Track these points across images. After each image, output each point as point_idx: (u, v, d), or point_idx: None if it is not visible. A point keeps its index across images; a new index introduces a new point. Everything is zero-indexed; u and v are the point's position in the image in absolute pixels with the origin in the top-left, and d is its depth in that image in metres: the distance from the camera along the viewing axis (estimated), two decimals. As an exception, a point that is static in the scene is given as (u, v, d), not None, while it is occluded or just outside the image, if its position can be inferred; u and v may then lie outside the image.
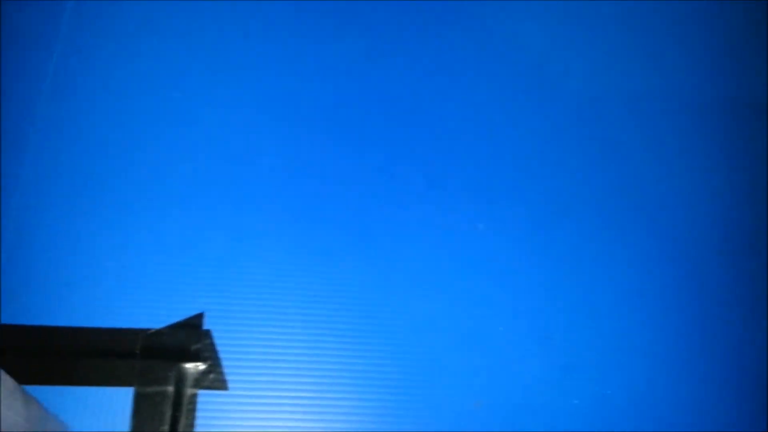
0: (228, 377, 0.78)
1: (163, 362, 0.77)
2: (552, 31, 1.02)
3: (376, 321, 0.82)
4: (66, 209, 0.83)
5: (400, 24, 0.99)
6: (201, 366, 0.77)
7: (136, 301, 0.80)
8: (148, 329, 0.78)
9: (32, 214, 0.83)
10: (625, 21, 1.03)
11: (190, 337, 0.78)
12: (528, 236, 0.88)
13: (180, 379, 0.77)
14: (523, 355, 0.82)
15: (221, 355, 0.78)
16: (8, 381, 0.57)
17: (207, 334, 0.79)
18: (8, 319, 0.77)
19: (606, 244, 0.89)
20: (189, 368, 0.77)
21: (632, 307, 0.86)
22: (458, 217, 0.88)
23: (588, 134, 0.95)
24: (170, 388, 0.76)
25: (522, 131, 0.95)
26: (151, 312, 0.79)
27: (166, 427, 0.74)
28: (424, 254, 0.86)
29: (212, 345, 0.78)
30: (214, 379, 0.77)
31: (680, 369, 0.83)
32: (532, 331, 0.83)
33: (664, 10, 1.04)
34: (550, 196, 0.91)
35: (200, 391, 0.77)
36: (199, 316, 0.80)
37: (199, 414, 0.76)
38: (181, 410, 0.75)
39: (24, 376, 0.74)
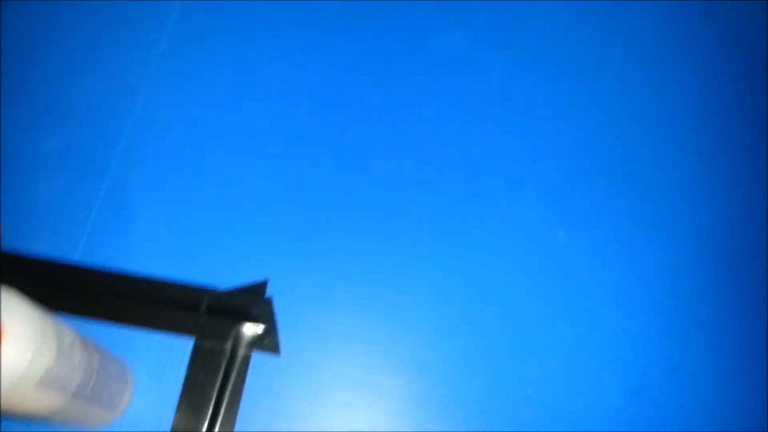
0: (282, 344, 0.80)
1: (224, 320, 0.81)
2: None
3: (444, 310, 0.83)
4: (162, 160, 0.91)
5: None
6: (258, 329, 0.81)
7: (208, 261, 0.85)
8: (216, 289, 0.83)
9: (128, 161, 0.90)
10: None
11: (252, 302, 0.82)
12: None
13: (237, 338, 0.80)
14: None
15: (278, 323, 0.81)
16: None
17: (268, 301, 0.82)
18: (93, 261, 0.84)
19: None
20: (247, 330, 0.81)
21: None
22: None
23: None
24: (228, 345, 0.80)
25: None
26: (221, 273, 0.84)
27: (218, 380, 0.78)
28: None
29: (272, 312, 0.82)
30: (269, 344, 0.80)
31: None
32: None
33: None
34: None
35: (254, 353, 0.80)
36: (263, 284, 0.84)
37: (249, 372, 0.79)
38: (234, 367, 0.79)
39: (97, 313, 0.80)
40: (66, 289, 0.83)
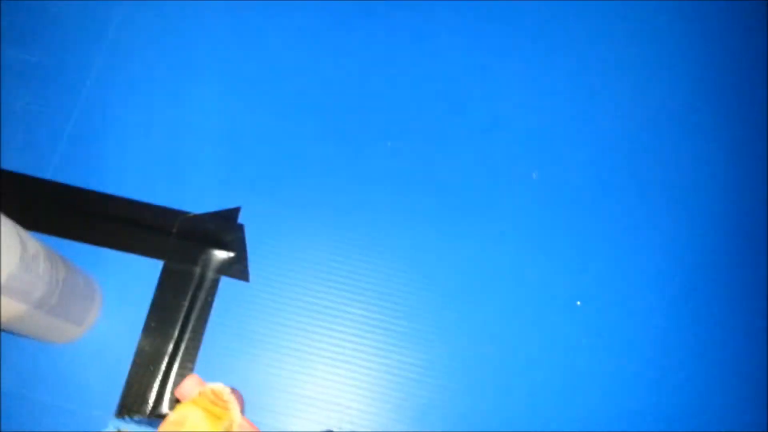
0: (250, 271, 0.81)
1: (194, 244, 0.81)
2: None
3: (411, 242, 0.84)
4: (140, 82, 0.90)
5: None
6: (228, 255, 0.81)
7: (184, 185, 0.85)
8: (187, 212, 0.83)
9: (105, 80, 0.89)
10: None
11: (223, 227, 0.82)
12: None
13: (207, 262, 0.81)
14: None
15: (248, 250, 0.82)
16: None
17: (240, 228, 0.82)
18: (66, 179, 0.84)
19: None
20: (217, 255, 0.81)
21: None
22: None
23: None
24: (197, 269, 0.80)
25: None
26: (195, 198, 0.84)
27: (186, 302, 0.78)
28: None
29: (242, 239, 0.82)
30: (238, 270, 0.81)
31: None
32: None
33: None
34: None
35: (223, 278, 0.80)
36: (236, 210, 0.84)
37: (217, 297, 0.79)
38: (202, 290, 0.79)
39: (67, 231, 0.80)
40: (37, 205, 0.83)
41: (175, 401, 0.73)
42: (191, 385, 0.56)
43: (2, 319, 0.61)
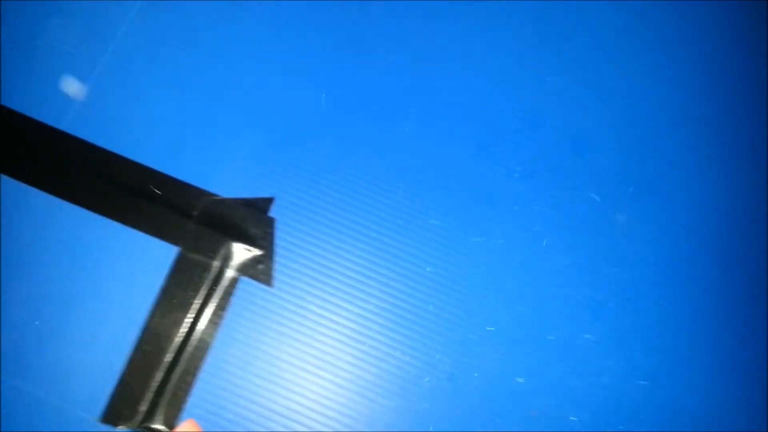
0: (276, 275, 0.70)
1: (216, 233, 0.70)
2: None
3: (457, 274, 0.72)
4: (175, 40, 0.78)
5: None
6: (253, 252, 0.70)
7: (212, 162, 0.73)
8: (213, 194, 0.72)
9: (138, 31, 0.78)
10: None
11: (252, 218, 0.71)
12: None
13: (228, 257, 0.70)
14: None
15: (277, 250, 0.71)
16: None
17: (271, 222, 0.71)
18: (81, 133, 0.73)
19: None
20: (240, 250, 0.70)
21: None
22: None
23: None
24: (215, 263, 0.69)
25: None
26: (222, 179, 0.73)
27: (199, 300, 0.68)
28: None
29: (272, 235, 0.71)
30: (262, 271, 0.70)
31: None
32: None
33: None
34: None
35: (243, 278, 0.70)
36: (268, 200, 0.72)
37: (233, 299, 0.69)
38: (218, 288, 0.69)
39: (73, 194, 0.69)
40: (44, 158, 0.71)
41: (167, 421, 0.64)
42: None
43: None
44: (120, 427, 0.63)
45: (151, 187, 0.71)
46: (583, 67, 0.83)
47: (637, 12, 0.87)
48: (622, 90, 0.83)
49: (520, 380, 0.69)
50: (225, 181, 0.73)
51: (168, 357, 0.66)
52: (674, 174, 0.80)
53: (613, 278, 0.74)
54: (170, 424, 0.64)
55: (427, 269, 0.72)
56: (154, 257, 0.69)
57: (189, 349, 0.66)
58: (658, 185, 0.79)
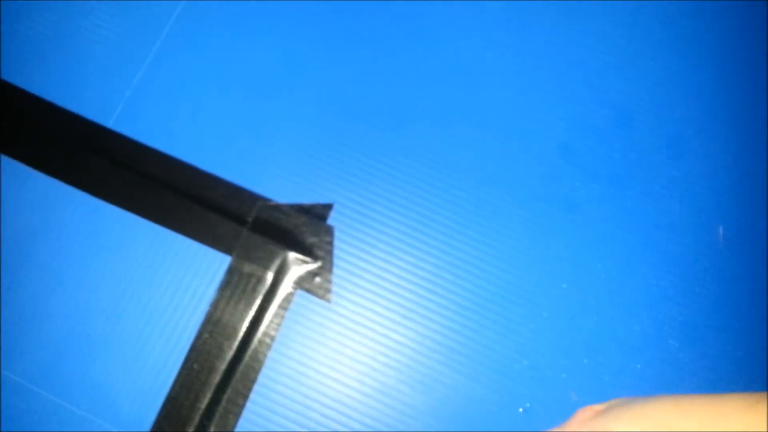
0: (334, 288, 0.64)
1: (272, 242, 0.65)
2: None
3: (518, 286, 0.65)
4: (223, 37, 0.72)
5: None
6: (311, 263, 0.64)
7: (265, 164, 0.68)
8: (269, 199, 0.66)
9: (186, 29, 0.72)
10: None
11: (310, 226, 0.65)
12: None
13: (283, 268, 0.64)
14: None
15: (336, 261, 0.65)
16: None
17: (329, 230, 0.65)
18: (128, 131, 0.68)
19: None
20: (296, 261, 0.64)
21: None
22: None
23: None
24: (270, 274, 0.64)
25: None
26: (276, 184, 0.67)
27: (252, 314, 0.62)
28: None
29: (331, 245, 0.65)
30: (319, 284, 0.64)
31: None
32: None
33: None
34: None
35: (299, 292, 0.64)
36: (327, 207, 0.66)
37: (287, 313, 0.63)
38: (273, 303, 0.63)
39: (117, 197, 0.64)
40: (93, 157, 0.67)
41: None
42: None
43: None
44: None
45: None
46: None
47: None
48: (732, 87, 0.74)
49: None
50: (278, 185, 0.67)
51: (218, 377, 0.61)
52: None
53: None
54: (220, 449, 0.59)
55: (496, 283, 0.65)
56: (204, 267, 0.64)
57: (240, 368, 0.61)
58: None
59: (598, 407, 0.42)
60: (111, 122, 0.69)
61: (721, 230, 0.68)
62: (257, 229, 0.65)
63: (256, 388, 0.61)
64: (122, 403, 0.60)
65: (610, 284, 0.66)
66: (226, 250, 0.64)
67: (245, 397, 0.60)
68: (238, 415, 0.60)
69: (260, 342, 0.62)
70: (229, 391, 0.60)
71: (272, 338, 0.62)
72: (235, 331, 0.62)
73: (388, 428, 0.61)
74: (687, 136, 0.72)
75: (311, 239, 0.65)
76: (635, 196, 0.69)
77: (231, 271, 0.64)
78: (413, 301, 0.65)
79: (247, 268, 0.64)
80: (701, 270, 0.67)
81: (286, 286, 0.64)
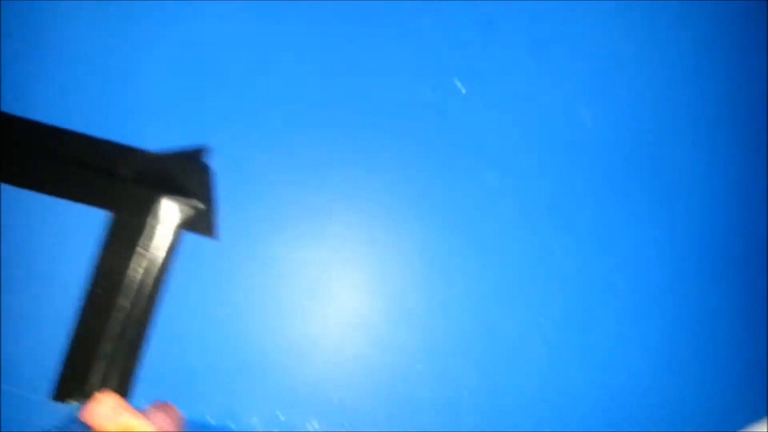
0: (221, 226, 0.65)
1: (150, 191, 0.65)
2: None
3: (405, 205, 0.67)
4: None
5: None
6: (193, 205, 0.65)
7: (137, 115, 0.67)
8: (141, 150, 0.66)
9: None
10: None
11: (187, 170, 0.66)
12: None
13: (165, 214, 0.65)
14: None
15: (218, 199, 0.65)
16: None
17: (207, 171, 0.65)
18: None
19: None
20: (178, 205, 0.65)
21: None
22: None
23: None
24: (152, 222, 0.64)
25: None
26: (151, 133, 0.66)
27: (138, 264, 0.63)
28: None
29: (211, 185, 0.65)
30: (204, 224, 0.65)
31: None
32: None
33: None
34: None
35: (186, 233, 0.65)
36: (202, 149, 0.66)
37: (177, 259, 0.64)
38: (158, 249, 0.64)
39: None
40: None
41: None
42: (105, 411, 0.42)
43: None
44: (72, 403, 0.61)
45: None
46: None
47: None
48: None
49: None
50: (156, 134, 0.66)
51: (116, 325, 0.62)
52: None
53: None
54: (125, 391, 0.61)
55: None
56: (82, 225, 0.64)
57: (134, 316, 0.63)
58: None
59: None
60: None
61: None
62: (133, 181, 0.65)
63: (153, 336, 0.62)
64: (26, 366, 0.61)
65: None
66: (105, 205, 0.64)
67: (139, 346, 0.62)
68: (137, 358, 0.62)
69: (151, 287, 0.63)
70: (125, 340, 0.62)
71: (162, 284, 0.63)
72: (125, 281, 0.63)
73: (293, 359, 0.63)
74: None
75: (190, 182, 0.65)
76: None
77: (111, 225, 0.64)
78: (304, 230, 0.66)
79: (127, 219, 0.64)
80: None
81: (169, 231, 0.64)
